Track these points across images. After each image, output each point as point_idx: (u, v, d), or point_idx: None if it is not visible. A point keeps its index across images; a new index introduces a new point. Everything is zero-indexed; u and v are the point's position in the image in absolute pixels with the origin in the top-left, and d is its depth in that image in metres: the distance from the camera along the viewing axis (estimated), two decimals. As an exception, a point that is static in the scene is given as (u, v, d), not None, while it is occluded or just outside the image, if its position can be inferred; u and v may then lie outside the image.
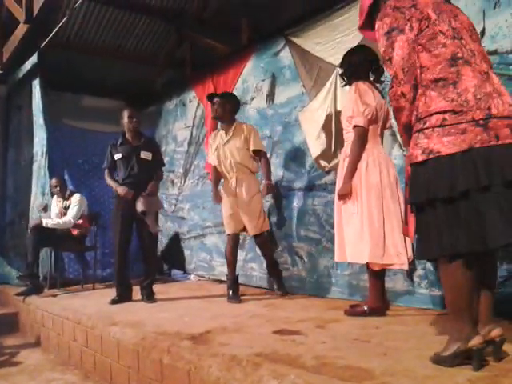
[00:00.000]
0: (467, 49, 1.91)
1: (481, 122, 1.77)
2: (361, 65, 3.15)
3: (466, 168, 1.76)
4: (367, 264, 3.04)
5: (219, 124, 4.33)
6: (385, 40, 1.98)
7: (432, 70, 1.90)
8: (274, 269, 4.27)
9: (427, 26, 1.92)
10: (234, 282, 4.08)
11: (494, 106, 1.79)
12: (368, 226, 2.94)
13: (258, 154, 4.14)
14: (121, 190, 4.17)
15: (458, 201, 1.78)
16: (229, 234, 4.16)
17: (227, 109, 4.17)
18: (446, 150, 1.79)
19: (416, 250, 2.01)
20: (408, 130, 2.02)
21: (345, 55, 3.28)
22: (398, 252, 2.93)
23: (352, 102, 3.05)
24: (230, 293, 4.02)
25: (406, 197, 2.06)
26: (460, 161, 1.77)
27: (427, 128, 1.85)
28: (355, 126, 3.02)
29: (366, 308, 3.06)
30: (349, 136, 3.13)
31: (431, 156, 1.82)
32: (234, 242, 4.16)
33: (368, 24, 2.29)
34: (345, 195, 3.03)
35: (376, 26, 2.06)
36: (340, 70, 3.36)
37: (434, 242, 1.84)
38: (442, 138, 1.80)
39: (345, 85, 3.34)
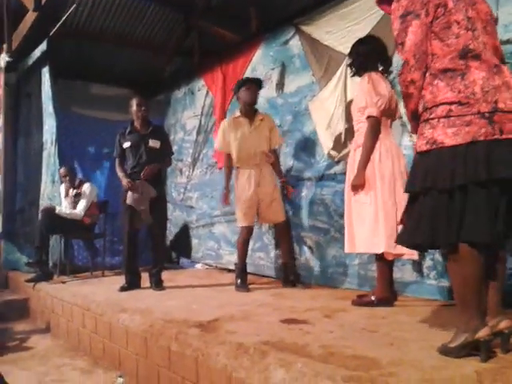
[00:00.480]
0: (479, 41, 1.88)
1: (486, 114, 1.77)
2: (369, 55, 3.14)
3: (467, 161, 1.77)
4: (376, 254, 3.04)
5: (238, 111, 4.18)
6: (399, 23, 1.96)
7: (442, 59, 1.88)
8: (292, 258, 4.19)
9: (443, 14, 1.90)
10: (242, 271, 4.08)
11: (502, 100, 1.78)
12: (383, 216, 2.94)
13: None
14: (125, 182, 4.17)
15: (454, 193, 1.80)
16: (245, 226, 4.10)
17: (258, 96, 4.17)
18: (450, 142, 1.79)
19: (399, 235, 2.02)
20: (416, 117, 2.02)
21: (353, 46, 3.27)
22: None
23: (365, 92, 3.03)
24: (239, 281, 4.02)
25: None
26: (462, 153, 1.78)
27: (433, 118, 1.86)
28: (369, 117, 3.01)
29: (373, 298, 3.07)
30: (360, 126, 3.11)
31: (434, 146, 1.83)
32: (250, 234, 4.15)
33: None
34: (358, 185, 3.02)
35: (392, 6, 2.03)
36: (348, 60, 3.34)
37: (422, 231, 1.87)
38: (447, 129, 1.80)
39: (353, 75, 3.33)
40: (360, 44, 3.22)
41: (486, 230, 1.77)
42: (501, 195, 1.78)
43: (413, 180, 1.95)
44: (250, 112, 4.13)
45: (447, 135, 1.80)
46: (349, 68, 3.35)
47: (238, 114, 4.20)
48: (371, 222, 2.98)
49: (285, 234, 4.19)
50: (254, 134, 4.08)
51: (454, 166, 1.79)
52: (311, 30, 4.46)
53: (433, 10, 1.90)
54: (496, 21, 2.95)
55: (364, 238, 3.02)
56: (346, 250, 3.20)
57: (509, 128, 1.77)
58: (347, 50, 3.94)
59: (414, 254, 2.97)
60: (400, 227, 2.91)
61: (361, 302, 3.12)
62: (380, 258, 3.04)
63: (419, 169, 1.91)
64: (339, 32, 4.15)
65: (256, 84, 4.16)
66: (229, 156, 4.23)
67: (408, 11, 1.93)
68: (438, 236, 1.83)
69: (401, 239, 2.03)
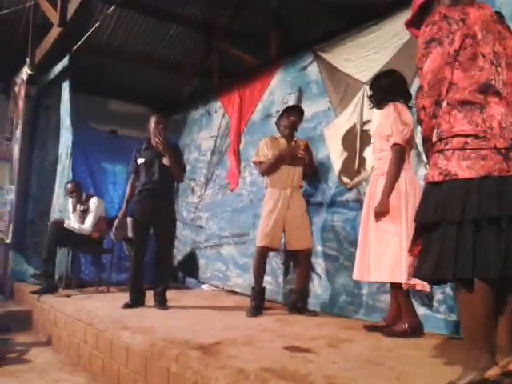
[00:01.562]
0: (501, 78, 1.87)
1: (502, 150, 1.75)
2: (389, 89, 3.21)
3: (479, 195, 1.74)
4: (395, 284, 3.01)
5: (278, 134, 4.22)
6: (423, 48, 1.95)
7: (462, 90, 1.86)
8: (305, 286, 4.15)
9: (471, 45, 1.88)
10: (258, 295, 3.98)
11: None
12: (406, 246, 2.90)
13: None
14: (121, 212, 4.38)
15: (465, 226, 1.76)
16: (261, 246, 4.00)
17: (297, 122, 4.21)
18: (464, 174, 1.77)
19: (414, 268, 1.96)
20: (426, 143, 2.01)
21: (374, 79, 3.37)
22: None
23: (391, 121, 3.06)
24: (252, 304, 3.92)
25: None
26: (475, 187, 1.75)
27: (448, 149, 1.83)
28: (394, 145, 3.04)
29: (406, 326, 3.00)
30: (384, 154, 3.13)
31: (448, 178, 1.81)
32: (265, 256, 4.05)
33: (415, 22, 2.21)
34: (382, 213, 3.02)
35: (421, 30, 2.02)
36: (369, 93, 3.38)
37: (433, 264, 1.82)
38: (462, 161, 1.78)
39: (373, 107, 3.40)
40: (381, 77, 3.31)
41: (495, 265, 1.72)
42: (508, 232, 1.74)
43: (424, 211, 1.92)
44: (289, 136, 4.17)
45: (461, 167, 1.78)
46: (368, 100, 3.42)
47: (278, 135, 4.25)
48: (396, 252, 2.96)
49: (306, 262, 4.09)
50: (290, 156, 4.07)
51: (466, 199, 1.76)
52: (330, 56, 4.47)
53: (460, 38, 1.88)
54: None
55: (387, 266, 2.99)
56: (356, 277, 3.19)
57: None
58: (365, 78, 3.99)
59: (425, 286, 2.93)
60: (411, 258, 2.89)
61: (394, 332, 3.03)
62: (398, 287, 3.01)
63: (430, 199, 1.88)
64: (358, 60, 4.16)
65: (295, 111, 4.20)
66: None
67: (433, 38, 1.91)
68: (448, 270, 1.78)
69: (417, 273, 1.97)
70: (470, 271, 1.74)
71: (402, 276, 2.93)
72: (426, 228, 1.91)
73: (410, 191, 3.03)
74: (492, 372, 1.72)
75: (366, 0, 4.55)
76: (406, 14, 3.43)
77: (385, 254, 3.00)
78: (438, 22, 1.92)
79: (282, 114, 4.21)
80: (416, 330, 3.00)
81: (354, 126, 4.10)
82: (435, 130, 1.93)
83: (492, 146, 1.75)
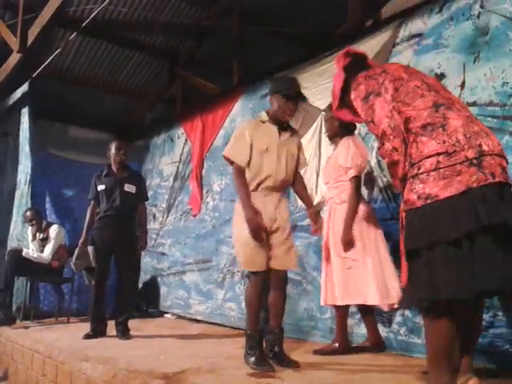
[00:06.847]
0: (445, 98, 1.97)
1: (474, 161, 1.77)
2: (345, 123, 3.25)
3: (465, 210, 1.74)
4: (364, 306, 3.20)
5: (263, 114, 3.02)
6: (363, 104, 2.06)
7: (418, 118, 1.92)
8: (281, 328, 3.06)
9: (401, 85, 2.01)
10: (258, 342, 2.85)
11: (485, 143, 1.80)
12: (372, 270, 3.10)
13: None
14: (80, 241, 4.26)
15: (460, 243, 1.74)
16: (259, 272, 2.85)
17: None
18: (444, 194, 1.77)
19: (406, 296, 1.96)
20: (405, 181, 1.99)
21: (327, 114, 3.53)
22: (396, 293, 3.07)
23: (351, 154, 3.22)
24: (255, 357, 2.79)
25: (402, 244, 1.99)
26: (458, 203, 1.76)
27: (422, 173, 1.84)
28: (353, 177, 3.20)
29: (336, 346, 3.23)
30: (341, 184, 3.29)
31: (429, 201, 1.80)
32: (264, 284, 2.89)
33: (342, 106, 2.37)
34: (348, 242, 3.15)
35: (352, 96, 2.15)
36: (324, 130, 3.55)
37: (429, 287, 1.78)
38: (439, 181, 1.79)
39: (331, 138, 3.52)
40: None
41: (497, 275, 1.71)
42: (504, 238, 1.74)
43: (412, 237, 1.88)
44: (284, 126, 3.04)
45: (440, 188, 1.78)
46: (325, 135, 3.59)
47: (263, 117, 3.03)
48: (359, 276, 3.12)
49: (283, 287, 3.05)
50: (285, 148, 2.99)
51: (454, 216, 1.75)
52: (289, 85, 4.57)
53: (390, 84, 2.01)
54: (463, 84, 3.13)
55: (353, 290, 3.13)
56: (324, 302, 3.33)
57: (498, 172, 1.78)
58: (323, 106, 4.11)
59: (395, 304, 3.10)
60: (394, 284, 3.02)
61: (323, 351, 3.26)
62: (342, 307, 3.22)
63: (416, 225, 1.86)
64: (316, 88, 4.27)
65: (301, 99, 3.07)
66: (243, 171, 2.94)
67: (369, 92, 2.05)
68: (460, 287, 1.73)
69: (407, 301, 1.98)
70: (474, 286, 1.71)
71: (372, 298, 3.08)
72: (416, 253, 1.86)
73: (370, 216, 3.24)
74: (452, 390, 1.76)
75: (325, 30, 4.71)
76: (362, 44, 3.63)
77: (349, 278, 3.14)
78: (365, 82, 2.07)
79: (286, 93, 2.95)
80: (379, 347, 3.23)
81: (313, 152, 4.19)
82: (407, 160, 1.94)
83: (463, 159, 1.77)
